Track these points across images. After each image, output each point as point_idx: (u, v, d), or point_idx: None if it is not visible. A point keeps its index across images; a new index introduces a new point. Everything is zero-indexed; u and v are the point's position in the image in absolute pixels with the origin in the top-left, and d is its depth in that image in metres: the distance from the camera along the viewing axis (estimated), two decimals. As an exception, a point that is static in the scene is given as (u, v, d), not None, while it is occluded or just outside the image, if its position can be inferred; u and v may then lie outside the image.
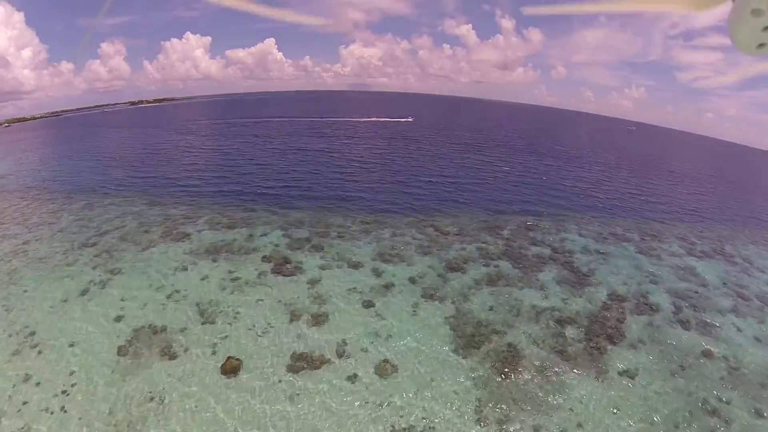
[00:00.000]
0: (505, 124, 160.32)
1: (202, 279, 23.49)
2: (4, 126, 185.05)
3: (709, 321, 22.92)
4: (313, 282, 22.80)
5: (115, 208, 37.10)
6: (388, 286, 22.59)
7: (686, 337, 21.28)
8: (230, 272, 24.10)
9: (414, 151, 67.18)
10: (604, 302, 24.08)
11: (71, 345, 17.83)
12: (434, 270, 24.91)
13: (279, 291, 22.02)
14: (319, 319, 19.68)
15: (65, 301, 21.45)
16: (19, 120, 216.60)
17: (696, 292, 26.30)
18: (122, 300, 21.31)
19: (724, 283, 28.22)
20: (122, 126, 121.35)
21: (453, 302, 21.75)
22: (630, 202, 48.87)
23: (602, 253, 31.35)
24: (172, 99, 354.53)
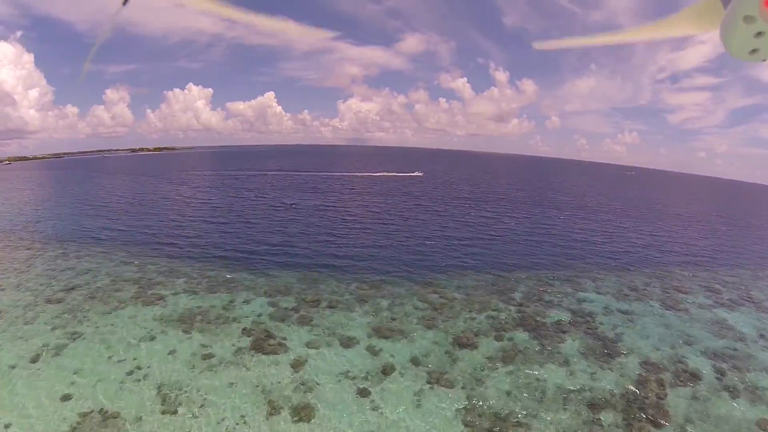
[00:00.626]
0: (503, 175, 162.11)
1: (170, 353, 20.38)
2: (5, 163, 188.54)
3: (756, 383, 20.07)
4: (298, 363, 19.65)
5: (90, 260, 34.81)
6: (386, 369, 19.40)
7: (737, 407, 18.34)
8: (203, 346, 21.04)
9: (412, 207, 65.85)
10: (639, 374, 20.79)
11: (6, 427, 14.77)
12: (440, 346, 21.77)
13: (257, 374, 18.85)
14: (303, 413, 16.38)
15: (13, 367, 18.45)
16: (21, 159, 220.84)
17: (735, 350, 23.46)
18: (75, 373, 18.24)
19: (762, 335, 25.57)
20: (118, 172, 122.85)
21: (464, 387, 18.45)
22: (643, 251, 46.16)
23: (626, 312, 28.28)
24: (173, 148, 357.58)
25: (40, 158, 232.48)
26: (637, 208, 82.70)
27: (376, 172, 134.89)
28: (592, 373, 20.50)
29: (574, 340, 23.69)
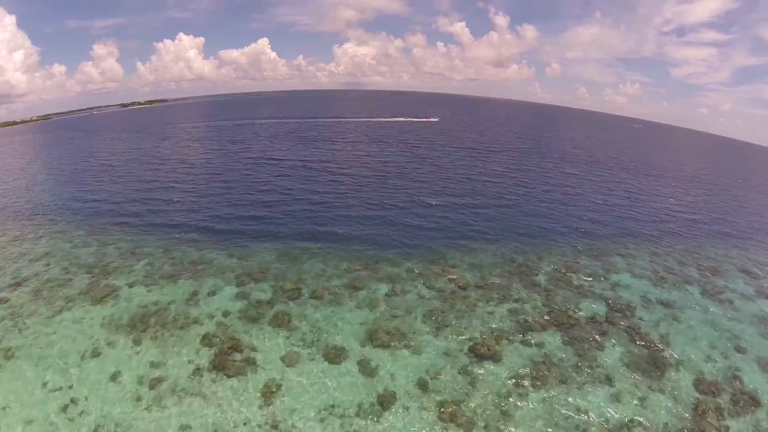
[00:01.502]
0: (507, 122, 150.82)
1: (113, 378, 15.76)
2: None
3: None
4: (269, 392, 14.94)
5: (46, 242, 29.45)
6: (385, 400, 14.77)
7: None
8: (153, 365, 16.34)
9: (413, 160, 58.78)
10: (695, 399, 16.71)
11: None
12: (454, 359, 17.08)
13: (217, 409, 14.23)
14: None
15: None
16: (7, 124, 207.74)
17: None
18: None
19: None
20: (101, 131, 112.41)
21: (486, 427, 13.99)
22: (669, 219, 41.19)
23: (666, 304, 23.83)
24: (165, 100, 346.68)
25: (28, 121, 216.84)
26: (652, 166, 76.72)
27: (390, 118, 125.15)
28: (641, 399, 16.23)
29: (615, 346, 19.24)
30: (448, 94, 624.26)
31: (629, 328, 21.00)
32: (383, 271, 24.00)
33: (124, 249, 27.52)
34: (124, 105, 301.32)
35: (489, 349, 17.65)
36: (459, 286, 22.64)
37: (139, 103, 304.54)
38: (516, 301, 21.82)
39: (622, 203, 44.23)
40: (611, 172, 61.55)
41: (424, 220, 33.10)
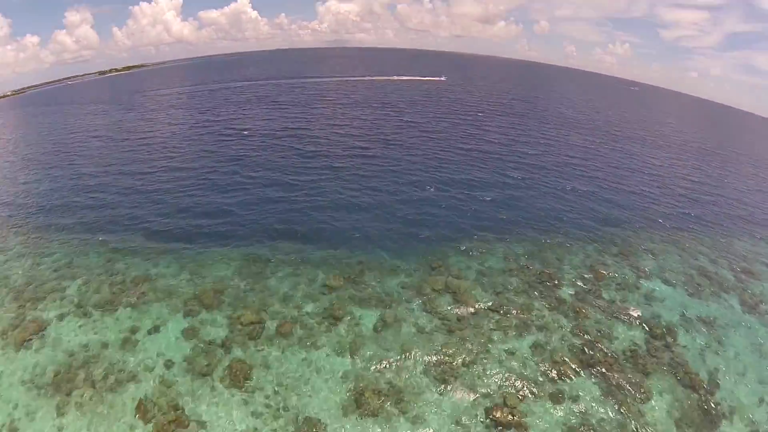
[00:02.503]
0: (500, 80, 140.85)
1: None
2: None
3: None
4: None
5: None
6: None
7: None
8: None
9: (401, 127, 52.35)
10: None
11: None
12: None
13: None
14: None
15: None
16: None
17: None
18: None
19: None
20: (69, 103, 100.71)
21: None
22: (688, 202, 37.17)
23: (707, 322, 20.40)
24: (144, 65, 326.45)
25: (1, 97, 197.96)
26: (660, 136, 71.93)
27: (395, 76, 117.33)
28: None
29: (662, 394, 15.43)
30: (433, 50, 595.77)
31: (673, 362, 17.22)
32: (369, 289, 19.31)
33: (60, 263, 22.24)
34: (101, 73, 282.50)
35: (512, 413, 13.54)
36: (466, 305, 18.21)
37: (117, 70, 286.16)
38: (540, 329, 17.57)
39: (636, 182, 39.82)
40: (618, 143, 56.65)
41: (418, 209, 27.97)
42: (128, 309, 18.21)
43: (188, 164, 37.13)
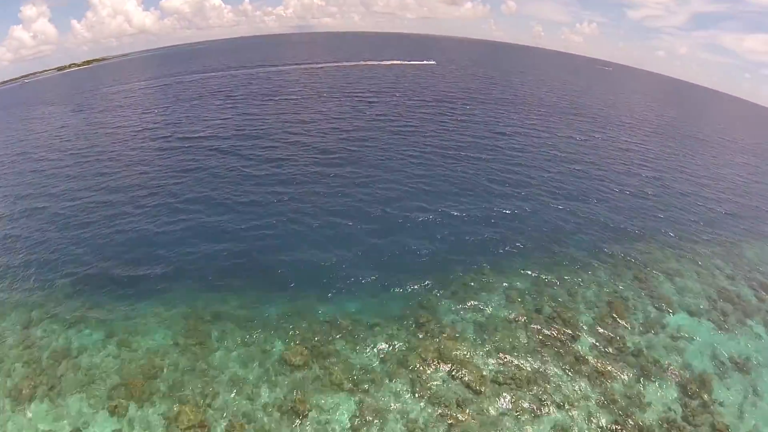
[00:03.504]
0: (473, 64, 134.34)
1: None
2: None
3: None
4: None
5: None
6: None
7: None
8: None
9: (375, 123, 47.69)
10: None
11: None
12: None
13: None
14: None
15: None
16: None
17: None
18: None
19: None
20: (16, 105, 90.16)
21: None
22: (685, 198, 34.73)
23: (740, 366, 17.62)
24: (105, 59, 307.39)
25: None
26: (647, 122, 69.88)
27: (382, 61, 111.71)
28: None
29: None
30: (400, 33, 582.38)
31: (714, 428, 14.17)
32: (341, 364, 15.08)
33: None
34: (60, 68, 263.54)
35: None
36: (468, 387, 14.46)
37: (77, 65, 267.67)
38: (560, 406, 14.03)
39: (631, 177, 36.90)
40: (612, 131, 53.67)
41: (395, 237, 23.44)
42: (44, 404, 13.85)
43: (123, 183, 31.36)
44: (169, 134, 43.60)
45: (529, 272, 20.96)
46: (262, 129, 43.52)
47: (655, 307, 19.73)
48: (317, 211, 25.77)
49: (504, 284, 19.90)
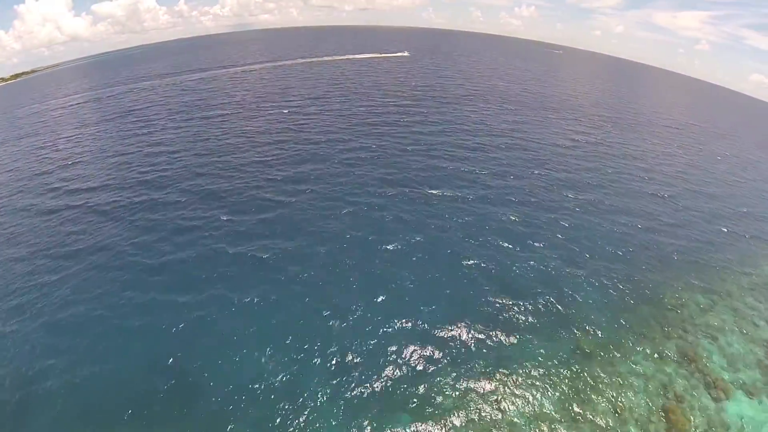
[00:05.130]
0: (421, 55, 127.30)
1: None
2: None
3: None
4: None
5: None
6: None
7: None
8: None
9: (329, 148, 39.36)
10: None
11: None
12: None
13: None
14: None
15: None
16: None
17: None
18: None
19: None
20: None
21: None
22: (688, 215, 31.51)
23: None
24: (35, 71, 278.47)
25: None
26: (613, 110, 67.50)
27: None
28: None
29: None
30: (339, 26, 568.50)
31: None
32: None
33: None
34: None
35: None
36: None
37: (4, 80, 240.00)
38: None
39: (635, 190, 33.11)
40: (587, 125, 50.19)
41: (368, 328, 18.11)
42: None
43: (10, 254, 23.61)
44: (51, 185, 33.33)
45: (554, 334, 16.08)
46: (208, 156, 35.33)
47: (712, 399, 15.51)
48: (255, 282, 19.56)
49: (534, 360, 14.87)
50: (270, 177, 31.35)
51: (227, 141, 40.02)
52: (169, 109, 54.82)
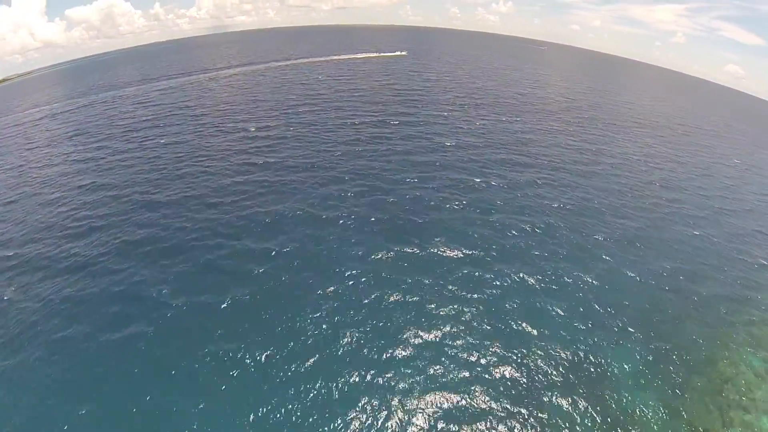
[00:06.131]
0: (406, 56, 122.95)
1: None
2: None
3: None
4: None
5: None
6: None
7: None
8: None
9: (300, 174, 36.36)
10: None
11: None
12: None
13: None
14: None
15: None
16: None
17: None
18: None
19: None
20: None
21: None
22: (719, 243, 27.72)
23: None
24: (6, 79, 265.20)
25: None
26: (608, 113, 64.18)
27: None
28: None
29: None
30: (316, 26, 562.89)
31: None
32: None
33: None
34: None
35: None
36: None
37: None
38: None
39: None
40: (581, 133, 46.30)
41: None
42: None
43: None
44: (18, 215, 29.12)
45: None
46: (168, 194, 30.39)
47: None
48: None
49: None
50: (227, 233, 24.50)
51: (178, 173, 34.11)
52: (124, 127, 49.17)
